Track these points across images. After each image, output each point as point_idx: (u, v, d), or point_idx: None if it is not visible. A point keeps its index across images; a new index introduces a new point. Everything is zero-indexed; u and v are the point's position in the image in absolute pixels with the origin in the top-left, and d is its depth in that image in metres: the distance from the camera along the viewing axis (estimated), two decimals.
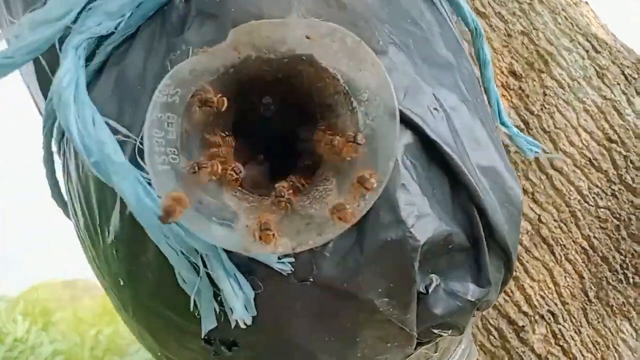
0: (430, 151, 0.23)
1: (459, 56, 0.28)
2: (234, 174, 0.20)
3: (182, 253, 0.19)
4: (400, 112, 0.21)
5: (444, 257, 0.24)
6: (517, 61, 0.52)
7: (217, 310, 0.21)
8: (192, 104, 0.20)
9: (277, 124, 0.24)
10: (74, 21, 0.23)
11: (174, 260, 0.19)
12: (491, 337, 0.48)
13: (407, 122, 0.22)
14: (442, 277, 0.24)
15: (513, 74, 0.51)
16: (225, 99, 0.20)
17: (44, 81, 0.30)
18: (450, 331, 0.25)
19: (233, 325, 0.20)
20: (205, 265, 0.20)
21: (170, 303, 0.22)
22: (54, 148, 0.31)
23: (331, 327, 0.22)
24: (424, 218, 0.22)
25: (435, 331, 0.25)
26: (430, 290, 0.24)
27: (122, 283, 0.25)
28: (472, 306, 0.25)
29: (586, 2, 0.59)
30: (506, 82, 0.51)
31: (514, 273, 0.48)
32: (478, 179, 0.25)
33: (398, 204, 0.21)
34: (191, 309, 0.21)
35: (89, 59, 0.24)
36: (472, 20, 0.30)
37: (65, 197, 0.33)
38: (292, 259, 0.20)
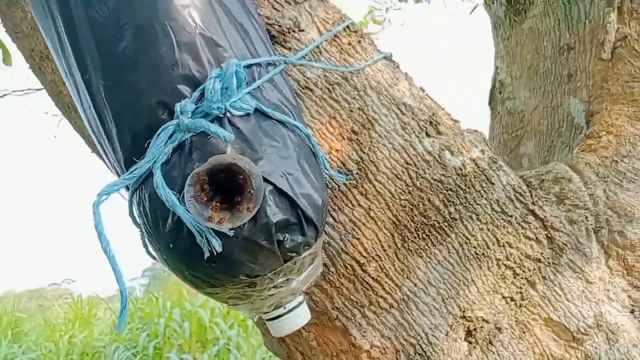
0: (279, 192, 0.67)
1: (301, 147, 0.72)
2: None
3: (197, 230, 0.63)
4: (266, 179, 0.66)
5: (289, 227, 0.68)
6: (355, 125, 0.97)
7: (208, 250, 0.64)
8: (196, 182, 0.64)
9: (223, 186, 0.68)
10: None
11: (195, 232, 0.63)
12: (346, 271, 0.93)
13: (269, 182, 0.66)
14: (289, 234, 0.69)
15: (354, 132, 0.96)
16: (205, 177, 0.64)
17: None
18: (295, 253, 0.70)
19: (206, 256, 0.64)
20: (203, 231, 0.63)
21: (189, 250, 0.66)
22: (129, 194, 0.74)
23: (252, 257, 0.66)
24: (276, 214, 0.66)
25: (289, 253, 0.69)
26: (284, 239, 0.68)
27: (171, 246, 0.68)
28: (300, 244, 0.70)
29: (405, 79, 1.04)
30: (350, 137, 0.96)
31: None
32: (302, 201, 0.69)
33: (266, 210, 0.65)
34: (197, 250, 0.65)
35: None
36: (303, 130, 0.75)
37: (137, 218, 0.76)
38: (233, 230, 0.64)
